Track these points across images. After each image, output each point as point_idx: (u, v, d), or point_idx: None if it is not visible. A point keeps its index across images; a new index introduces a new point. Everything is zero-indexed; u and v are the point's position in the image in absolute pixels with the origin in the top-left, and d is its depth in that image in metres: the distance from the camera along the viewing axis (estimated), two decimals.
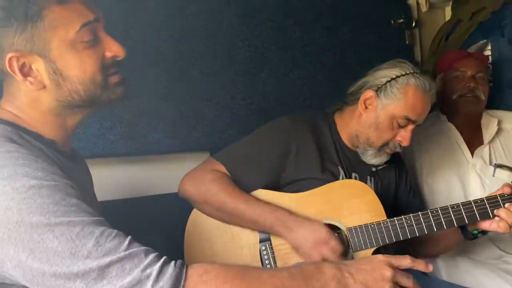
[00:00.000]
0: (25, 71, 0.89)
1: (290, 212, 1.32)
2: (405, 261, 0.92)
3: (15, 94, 0.92)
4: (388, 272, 0.87)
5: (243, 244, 1.37)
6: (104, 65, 0.94)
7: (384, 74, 1.44)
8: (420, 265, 0.93)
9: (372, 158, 1.46)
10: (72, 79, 0.90)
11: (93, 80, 0.92)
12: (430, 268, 0.94)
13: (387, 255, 0.92)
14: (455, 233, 1.43)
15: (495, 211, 1.31)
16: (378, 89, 1.43)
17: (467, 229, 1.39)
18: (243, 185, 1.38)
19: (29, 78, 0.89)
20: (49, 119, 0.94)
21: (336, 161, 1.47)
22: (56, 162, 0.89)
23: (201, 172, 1.39)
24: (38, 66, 0.89)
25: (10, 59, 0.87)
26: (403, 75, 1.41)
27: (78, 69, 0.90)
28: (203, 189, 1.35)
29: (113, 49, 0.95)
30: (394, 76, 1.42)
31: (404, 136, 1.42)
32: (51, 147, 0.93)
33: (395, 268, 0.89)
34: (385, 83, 1.42)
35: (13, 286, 0.81)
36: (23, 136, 0.88)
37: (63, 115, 0.96)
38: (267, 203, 1.34)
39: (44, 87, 0.90)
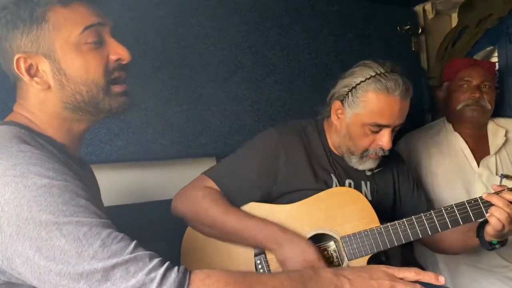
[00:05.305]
0: (32, 72, 0.91)
1: (280, 228, 1.31)
2: (409, 274, 0.91)
3: (25, 97, 0.95)
4: (385, 281, 0.88)
5: (239, 260, 1.36)
6: (108, 69, 0.95)
7: (346, 83, 1.41)
8: (427, 277, 0.91)
9: (359, 165, 1.44)
10: (75, 79, 0.91)
11: (96, 83, 0.93)
12: (442, 280, 0.90)
13: (390, 266, 0.91)
14: (473, 239, 1.37)
15: (489, 210, 1.25)
16: (343, 99, 1.41)
17: (485, 240, 1.33)
18: (234, 200, 1.37)
19: (36, 79, 0.91)
20: (57, 123, 0.96)
21: (329, 169, 1.46)
22: (67, 165, 0.90)
23: (192, 190, 1.38)
24: (44, 67, 0.91)
25: (18, 60, 0.90)
26: (363, 81, 1.36)
27: (82, 70, 0.91)
28: (194, 206, 1.35)
29: (118, 52, 0.96)
30: (354, 85, 1.38)
31: (383, 141, 1.37)
32: (62, 151, 0.94)
33: (396, 279, 0.89)
34: (348, 93, 1.40)
35: (23, 286, 0.82)
36: (35, 138, 0.90)
37: (69, 120, 0.97)
38: (259, 219, 1.33)
39: (49, 87, 0.92)
